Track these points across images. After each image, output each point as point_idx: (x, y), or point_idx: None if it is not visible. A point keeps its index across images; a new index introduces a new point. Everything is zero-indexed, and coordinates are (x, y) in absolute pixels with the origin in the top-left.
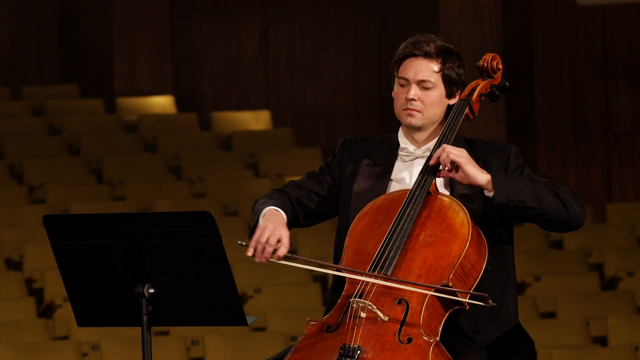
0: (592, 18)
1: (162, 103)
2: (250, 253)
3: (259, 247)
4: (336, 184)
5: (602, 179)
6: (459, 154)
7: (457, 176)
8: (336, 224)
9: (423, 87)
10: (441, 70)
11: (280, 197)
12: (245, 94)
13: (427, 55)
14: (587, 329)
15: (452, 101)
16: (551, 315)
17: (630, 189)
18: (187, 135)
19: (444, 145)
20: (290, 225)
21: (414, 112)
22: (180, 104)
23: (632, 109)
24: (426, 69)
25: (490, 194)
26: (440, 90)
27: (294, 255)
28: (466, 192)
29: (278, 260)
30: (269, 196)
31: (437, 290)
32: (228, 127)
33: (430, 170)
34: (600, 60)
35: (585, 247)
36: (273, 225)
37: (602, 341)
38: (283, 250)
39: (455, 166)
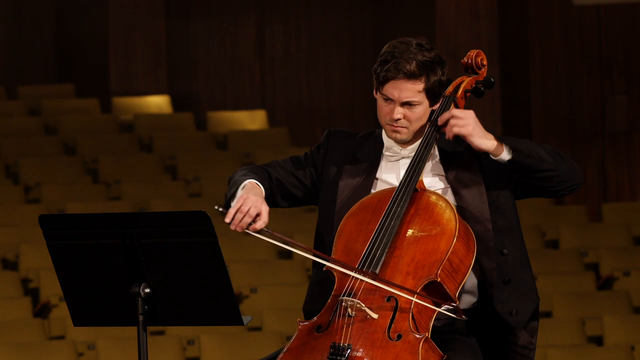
0: (588, 18)
1: (158, 103)
2: (228, 220)
3: (238, 217)
4: (318, 176)
5: (597, 179)
6: (465, 123)
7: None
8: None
9: (408, 105)
10: (425, 88)
11: (261, 173)
12: (241, 94)
13: (410, 77)
14: (582, 328)
15: (437, 105)
16: (547, 314)
17: (626, 188)
18: (183, 135)
19: (453, 111)
20: (267, 203)
21: (400, 129)
22: (175, 103)
23: (627, 108)
24: (410, 90)
25: (502, 155)
26: (425, 104)
27: (271, 231)
28: (466, 180)
29: (254, 232)
30: (250, 169)
31: (418, 296)
32: (224, 126)
33: (435, 129)
34: (595, 60)
35: (580, 247)
36: (255, 198)
37: (598, 341)
38: (261, 224)
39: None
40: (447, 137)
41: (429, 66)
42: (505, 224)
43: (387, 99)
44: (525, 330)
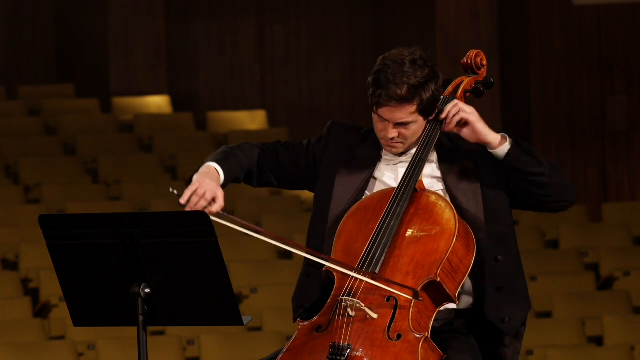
0: (588, 18)
1: (158, 103)
2: (183, 201)
3: (194, 199)
4: (315, 167)
5: (597, 179)
6: (470, 111)
7: (464, 132)
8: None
9: (402, 125)
10: (418, 109)
11: (250, 152)
12: (241, 94)
13: (402, 101)
14: (582, 328)
15: (433, 116)
16: (547, 315)
17: (626, 188)
18: (183, 135)
19: (456, 102)
20: (254, 180)
21: (396, 144)
22: (175, 103)
23: (627, 108)
24: (404, 112)
25: (502, 148)
26: (419, 121)
27: (227, 214)
28: (463, 186)
29: (210, 215)
30: (226, 152)
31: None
32: (224, 126)
33: (436, 124)
34: (595, 60)
35: (580, 247)
36: (210, 182)
37: (598, 341)
38: (217, 208)
39: (462, 123)
40: (449, 128)
41: (422, 87)
42: (501, 230)
43: (381, 118)
44: (515, 337)
